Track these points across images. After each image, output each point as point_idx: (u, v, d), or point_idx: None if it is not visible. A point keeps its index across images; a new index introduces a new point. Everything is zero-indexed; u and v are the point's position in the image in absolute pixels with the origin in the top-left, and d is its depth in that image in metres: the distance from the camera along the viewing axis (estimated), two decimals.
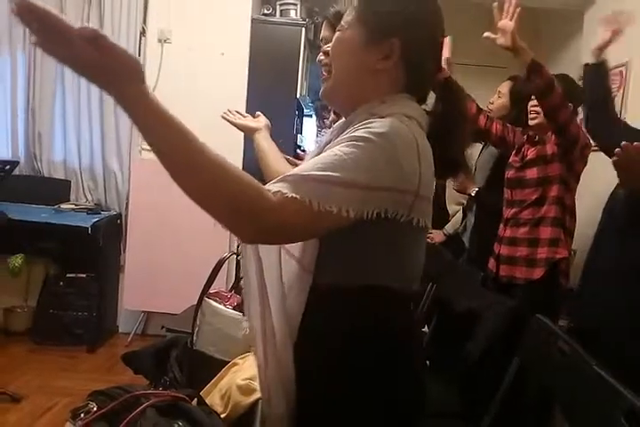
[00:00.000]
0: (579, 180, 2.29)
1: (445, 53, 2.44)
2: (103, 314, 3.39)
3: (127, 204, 3.51)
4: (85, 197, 3.56)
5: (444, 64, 1.05)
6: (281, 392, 0.92)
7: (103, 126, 3.47)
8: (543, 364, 1.70)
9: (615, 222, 1.80)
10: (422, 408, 0.98)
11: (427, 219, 0.89)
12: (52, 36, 0.65)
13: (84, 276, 3.35)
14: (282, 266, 0.93)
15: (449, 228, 3.02)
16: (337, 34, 0.97)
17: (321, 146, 1.00)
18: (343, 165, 0.78)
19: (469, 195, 2.69)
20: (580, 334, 1.64)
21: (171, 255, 3.34)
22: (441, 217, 2.99)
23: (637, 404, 1.17)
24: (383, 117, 0.85)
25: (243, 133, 1.62)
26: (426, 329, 2.29)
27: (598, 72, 2.00)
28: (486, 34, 2.02)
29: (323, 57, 1.56)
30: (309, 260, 0.90)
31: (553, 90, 2.00)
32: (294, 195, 0.75)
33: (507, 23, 1.95)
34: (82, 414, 0.95)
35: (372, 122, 0.84)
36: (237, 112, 1.63)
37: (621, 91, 3.08)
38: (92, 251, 3.27)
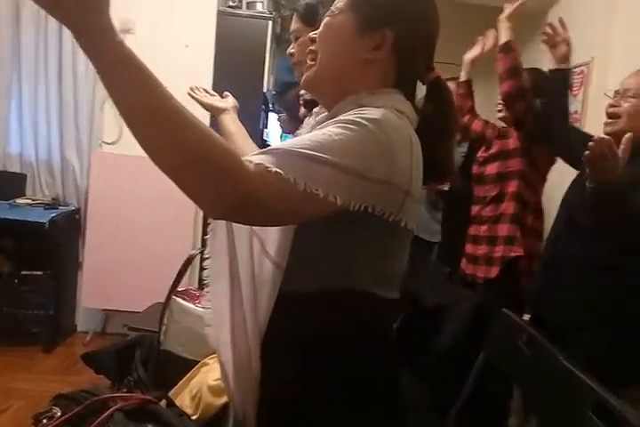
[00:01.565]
0: (544, 178, 2.28)
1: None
2: (61, 312, 3.27)
3: (86, 199, 3.39)
4: (42, 191, 3.43)
5: None
6: (248, 386, 0.88)
7: (61, 118, 3.34)
8: (510, 358, 1.71)
9: (574, 216, 1.82)
10: (398, 406, 0.94)
11: (414, 222, 0.84)
12: None
13: (41, 273, 3.23)
14: (258, 264, 0.88)
15: None
16: (326, 19, 0.91)
17: None
18: (333, 147, 0.71)
19: (442, 191, 2.70)
20: (541, 330, 1.66)
21: (131, 252, 3.26)
22: None
23: (606, 398, 1.18)
24: (375, 108, 0.80)
25: (209, 118, 1.56)
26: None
27: (564, 79, 2.02)
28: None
29: (293, 49, 1.53)
30: (282, 256, 0.84)
31: (513, 77, 2.02)
32: (278, 170, 0.68)
33: None
34: (44, 420, 0.89)
35: (364, 109, 0.79)
36: (205, 90, 1.57)
37: (582, 89, 3.15)
38: (49, 247, 3.16)
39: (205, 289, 0.93)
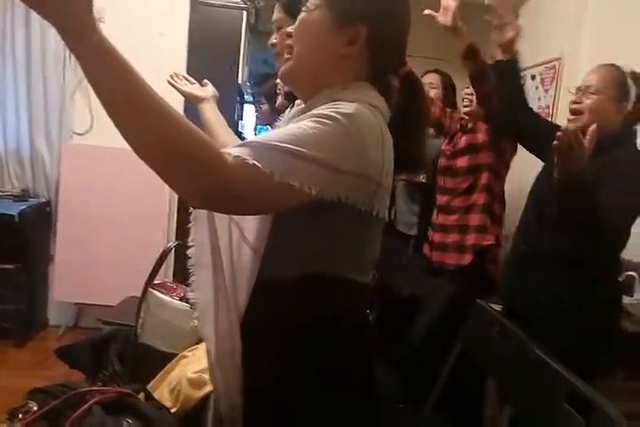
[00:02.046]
0: (508, 168, 2.36)
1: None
2: (32, 306, 3.22)
3: (57, 190, 3.33)
4: (11, 182, 3.35)
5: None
6: (231, 373, 0.90)
7: (30, 107, 3.26)
8: (484, 349, 1.74)
9: (542, 207, 1.86)
10: (373, 395, 0.97)
11: (385, 210, 0.89)
12: None
13: (12, 267, 3.15)
14: (236, 250, 0.91)
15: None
16: (302, 15, 0.94)
17: None
18: (308, 140, 0.75)
19: (418, 182, 2.73)
20: (514, 322, 1.70)
21: (104, 244, 3.21)
22: None
23: (578, 386, 1.22)
24: (348, 102, 0.83)
25: (183, 106, 1.55)
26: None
27: (513, 68, 2.00)
28: (427, 11, 1.99)
29: (275, 40, 1.52)
30: (260, 243, 0.87)
31: (486, 77, 2.03)
32: (256, 162, 0.71)
33: (449, 2, 1.96)
34: (20, 415, 0.88)
35: (338, 104, 0.82)
36: (184, 77, 1.56)
37: (554, 85, 3.20)
38: (19, 240, 3.09)
39: (191, 278, 0.95)
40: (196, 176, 0.69)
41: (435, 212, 2.43)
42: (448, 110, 2.50)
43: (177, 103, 1.54)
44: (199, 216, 0.92)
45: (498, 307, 2.16)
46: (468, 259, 2.27)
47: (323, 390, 0.88)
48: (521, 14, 3.79)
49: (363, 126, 0.80)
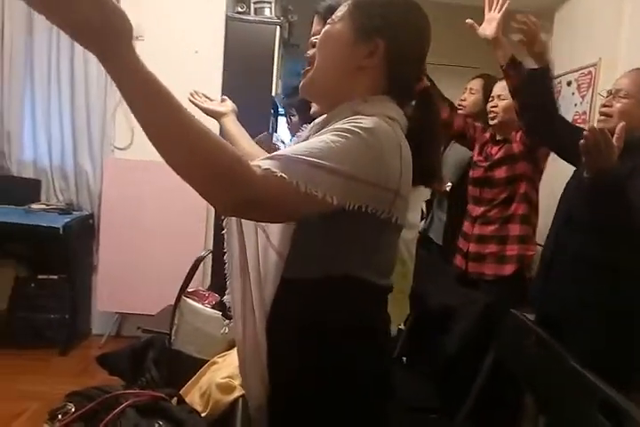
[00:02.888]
0: (542, 174, 2.34)
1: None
2: (76, 316, 3.32)
3: (99, 204, 3.45)
4: (56, 196, 3.49)
5: None
6: (258, 372, 0.94)
7: (74, 124, 3.40)
8: (518, 358, 1.72)
9: (571, 212, 1.83)
10: (392, 394, 1.01)
11: (403, 218, 0.93)
12: None
13: (56, 277, 3.28)
14: (261, 251, 0.96)
15: (421, 225, 3.05)
16: (326, 27, 0.98)
17: (299, 142, 1.01)
18: (330, 154, 0.80)
19: (443, 191, 2.73)
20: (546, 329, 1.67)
21: (144, 255, 3.30)
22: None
23: (611, 396, 1.20)
24: (368, 116, 0.87)
25: (219, 126, 1.60)
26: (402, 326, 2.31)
27: (544, 76, 1.98)
28: (469, 21, 2.01)
29: (311, 51, 1.56)
30: (285, 247, 0.93)
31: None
32: (283, 174, 0.76)
33: (494, 14, 1.97)
34: (59, 416, 0.93)
35: (358, 118, 0.87)
36: (204, 95, 1.63)
37: (590, 90, 3.15)
38: (63, 252, 3.21)
39: (227, 283, 1.00)
40: (227, 188, 0.74)
41: (468, 222, 2.41)
42: (470, 120, 2.50)
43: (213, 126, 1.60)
44: (230, 224, 0.98)
45: (532, 316, 2.14)
46: (509, 269, 2.25)
47: (339, 387, 0.92)
48: (556, 20, 3.76)
49: (381, 140, 0.85)
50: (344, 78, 0.96)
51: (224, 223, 0.98)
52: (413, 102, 1.04)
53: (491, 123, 2.38)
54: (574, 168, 1.98)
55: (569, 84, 3.41)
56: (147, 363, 1.68)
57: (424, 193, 1.55)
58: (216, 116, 1.57)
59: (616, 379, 1.26)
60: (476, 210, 2.38)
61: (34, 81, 3.36)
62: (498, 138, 2.38)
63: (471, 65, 3.72)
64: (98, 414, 0.95)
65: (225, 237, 0.98)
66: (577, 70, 3.30)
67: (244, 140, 1.48)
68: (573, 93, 3.35)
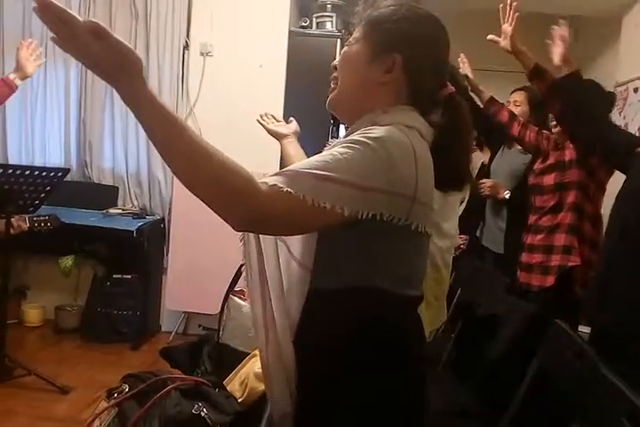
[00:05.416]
0: (603, 187, 2.26)
1: (466, 69, 2.46)
2: (147, 314, 3.53)
3: (170, 209, 3.66)
4: (132, 202, 3.73)
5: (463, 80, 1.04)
6: (281, 379, 0.96)
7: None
8: (560, 368, 1.73)
9: (624, 224, 1.80)
10: (423, 404, 1.00)
11: (427, 224, 0.92)
12: (66, 33, 0.71)
13: (130, 277, 3.49)
14: (283, 263, 0.99)
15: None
16: (344, 48, 1.04)
17: None
18: (337, 165, 0.82)
19: (502, 199, 2.71)
20: (603, 340, 1.65)
21: (210, 258, 3.44)
22: (472, 224, 3.01)
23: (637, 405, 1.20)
24: (383, 126, 0.90)
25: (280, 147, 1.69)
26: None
27: (577, 81, 1.97)
28: (490, 36, 2.07)
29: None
30: (308, 258, 0.94)
31: (556, 95, 2.00)
32: (289, 189, 0.78)
33: (507, 27, 2.00)
34: (115, 394, 1.06)
35: (370, 128, 0.90)
36: (272, 116, 1.69)
37: None
38: (137, 253, 3.43)
39: (247, 293, 1.04)
40: (235, 205, 0.78)
41: (525, 231, 2.40)
42: (545, 133, 2.44)
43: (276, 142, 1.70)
44: (248, 236, 1.02)
45: (587, 329, 2.11)
46: (550, 281, 2.21)
47: (367, 395, 0.92)
48: (624, 25, 3.66)
49: (391, 147, 0.86)
50: (366, 94, 0.99)
51: (240, 236, 1.02)
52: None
53: (554, 130, 2.34)
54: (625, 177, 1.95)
55: (635, 90, 3.32)
56: (202, 357, 1.82)
57: (455, 201, 1.58)
58: (278, 137, 1.62)
59: None
60: (530, 218, 2.37)
61: (113, 96, 3.61)
62: (559, 145, 2.34)
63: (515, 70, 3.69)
64: (147, 394, 1.08)
65: (243, 249, 1.02)
66: None
67: (298, 160, 1.49)
68: None
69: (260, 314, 1.00)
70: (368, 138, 0.86)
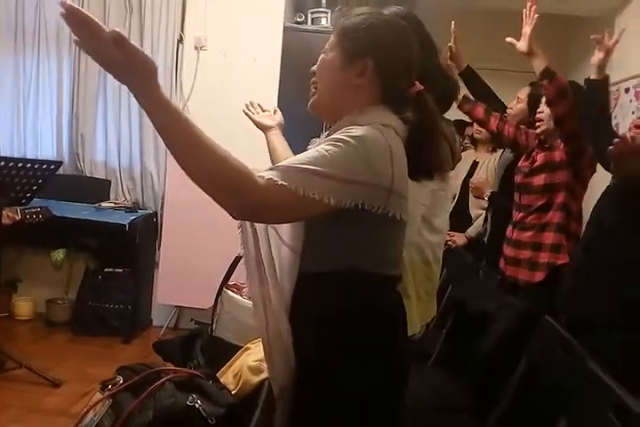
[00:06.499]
0: (586, 186, 2.32)
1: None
2: (138, 308, 3.53)
3: (162, 203, 3.66)
4: (124, 195, 3.73)
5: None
6: (282, 354, 1.04)
7: (142, 130, 3.63)
8: (549, 363, 1.75)
9: (602, 218, 1.83)
10: (406, 378, 1.11)
11: (403, 213, 1.03)
12: (89, 37, 0.80)
13: (122, 271, 3.49)
14: (276, 249, 1.08)
15: (471, 231, 3.08)
16: (321, 56, 1.12)
17: None
18: (324, 160, 0.93)
19: (484, 198, 2.75)
20: (573, 326, 1.69)
21: (202, 252, 3.44)
22: (462, 221, 3.05)
23: (624, 399, 1.23)
24: (362, 126, 1.00)
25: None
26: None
27: (602, 87, 2.00)
28: (508, 39, 2.12)
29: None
30: (297, 244, 1.05)
31: (563, 98, 2.04)
32: (283, 182, 0.89)
33: (527, 29, 2.04)
34: (109, 386, 1.07)
35: (351, 128, 1.00)
36: (259, 105, 1.73)
37: None
38: (129, 247, 3.43)
39: (246, 275, 1.12)
40: (233, 196, 0.89)
41: (510, 227, 2.44)
42: (523, 127, 2.48)
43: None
44: (245, 224, 1.10)
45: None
46: (539, 276, 2.26)
47: (353, 369, 1.02)
48: (616, 26, 3.68)
49: (369, 145, 0.97)
50: (343, 97, 1.09)
51: (238, 224, 1.11)
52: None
53: (537, 131, 2.38)
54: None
55: (627, 91, 3.35)
56: (195, 350, 1.83)
57: (445, 197, 1.59)
58: (263, 129, 1.67)
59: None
60: (516, 215, 2.40)
61: (106, 89, 3.62)
62: (546, 144, 2.38)
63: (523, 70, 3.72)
64: (142, 385, 1.09)
65: (241, 235, 1.11)
66: (635, 77, 3.24)
67: (284, 154, 1.57)
68: (631, 101, 3.29)
69: (258, 295, 1.08)
70: (349, 137, 0.97)
